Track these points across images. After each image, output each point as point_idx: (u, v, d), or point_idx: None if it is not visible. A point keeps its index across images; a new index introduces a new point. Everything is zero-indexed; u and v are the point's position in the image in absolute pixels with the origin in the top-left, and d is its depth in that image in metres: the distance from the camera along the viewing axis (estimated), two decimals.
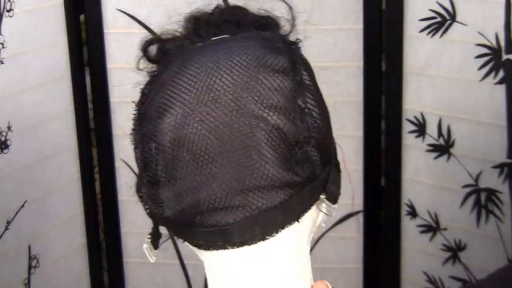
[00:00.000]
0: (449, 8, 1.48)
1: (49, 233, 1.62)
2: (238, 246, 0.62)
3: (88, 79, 1.70)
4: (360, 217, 1.69)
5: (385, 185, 1.67)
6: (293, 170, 0.61)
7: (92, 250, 1.75)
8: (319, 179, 0.64)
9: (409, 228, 1.67)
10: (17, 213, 1.51)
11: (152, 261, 0.69)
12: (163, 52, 0.68)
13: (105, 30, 1.65)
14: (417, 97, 1.57)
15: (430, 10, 1.50)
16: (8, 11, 1.43)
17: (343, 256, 1.73)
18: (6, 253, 1.50)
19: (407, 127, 1.60)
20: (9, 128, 1.47)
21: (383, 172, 1.67)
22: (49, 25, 1.56)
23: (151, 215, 0.66)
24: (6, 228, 1.48)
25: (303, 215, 0.64)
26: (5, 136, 1.46)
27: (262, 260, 0.64)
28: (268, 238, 0.62)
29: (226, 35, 0.67)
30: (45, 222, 1.61)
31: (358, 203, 1.68)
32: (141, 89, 0.66)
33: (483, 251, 1.57)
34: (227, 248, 0.63)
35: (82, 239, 1.73)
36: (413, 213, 1.65)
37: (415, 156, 1.61)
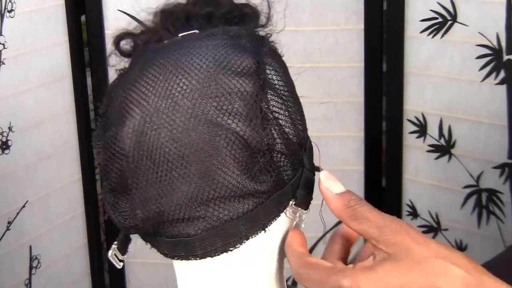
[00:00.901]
0: (450, 8, 1.48)
1: (50, 234, 1.62)
2: (200, 258, 0.60)
3: (89, 80, 1.70)
4: None
5: (386, 186, 1.67)
6: (257, 178, 0.57)
7: (93, 250, 1.75)
8: (288, 185, 0.60)
9: None
10: (18, 213, 1.51)
11: (119, 267, 0.66)
12: (133, 47, 0.65)
13: (106, 31, 1.65)
14: (418, 98, 1.57)
15: (431, 10, 1.50)
16: (9, 11, 1.43)
17: None
18: (7, 253, 1.50)
19: (408, 127, 1.60)
20: (10, 128, 1.47)
21: (384, 173, 1.67)
22: (50, 26, 1.56)
23: (116, 224, 0.63)
24: (7, 229, 1.48)
25: (270, 224, 0.60)
26: (6, 137, 1.46)
27: (229, 272, 0.61)
28: (231, 250, 0.59)
29: (195, 30, 0.62)
30: (46, 223, 1.61)
31: None
32: (107, 88, 0.62)
33: (484, 251, 1.56)
34: (190, 259, 0.60)
35: (83, 239, 1.73)
36: (414, 214, 1.65)
37: (416, 156, 1.61)
